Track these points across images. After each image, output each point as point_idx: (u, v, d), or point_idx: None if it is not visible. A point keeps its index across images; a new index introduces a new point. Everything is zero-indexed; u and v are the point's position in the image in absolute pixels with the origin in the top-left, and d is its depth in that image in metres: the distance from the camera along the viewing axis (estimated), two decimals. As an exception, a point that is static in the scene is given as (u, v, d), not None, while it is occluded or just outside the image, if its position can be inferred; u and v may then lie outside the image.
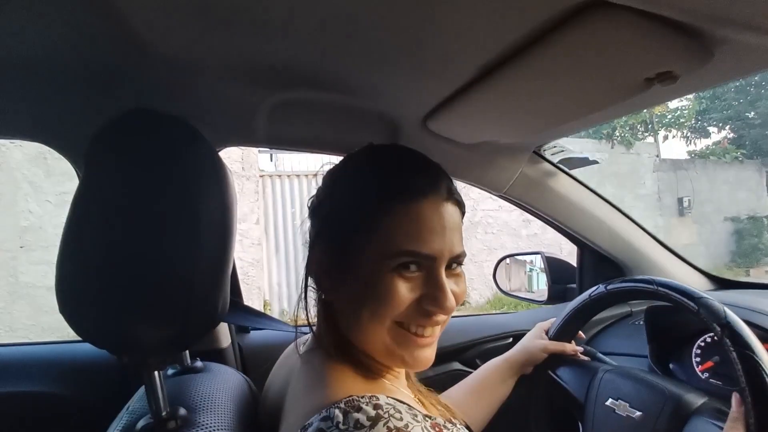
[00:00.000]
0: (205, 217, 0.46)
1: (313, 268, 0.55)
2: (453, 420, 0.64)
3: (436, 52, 0.63)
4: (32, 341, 1.04)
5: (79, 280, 0.43)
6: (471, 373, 0.97)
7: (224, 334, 0.94)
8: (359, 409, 0.42)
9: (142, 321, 0.43)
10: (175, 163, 0.44)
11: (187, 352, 0.67)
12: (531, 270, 1.57)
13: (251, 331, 1.07)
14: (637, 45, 0.53)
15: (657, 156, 8.76)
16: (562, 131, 0.94)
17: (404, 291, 0.50)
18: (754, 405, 0.59)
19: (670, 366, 0.99)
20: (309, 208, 0.59)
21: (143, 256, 0.43)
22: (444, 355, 1.17)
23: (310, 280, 0.57)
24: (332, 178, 0.58)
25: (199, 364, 0.67)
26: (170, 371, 0.66)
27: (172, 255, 0.44)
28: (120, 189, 0.43)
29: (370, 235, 0.51)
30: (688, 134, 11.82)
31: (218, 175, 0.51)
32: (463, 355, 1.19)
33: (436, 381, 1.05)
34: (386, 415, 0.42)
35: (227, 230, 0.53)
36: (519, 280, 1.63)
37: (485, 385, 0.92)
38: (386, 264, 0.50)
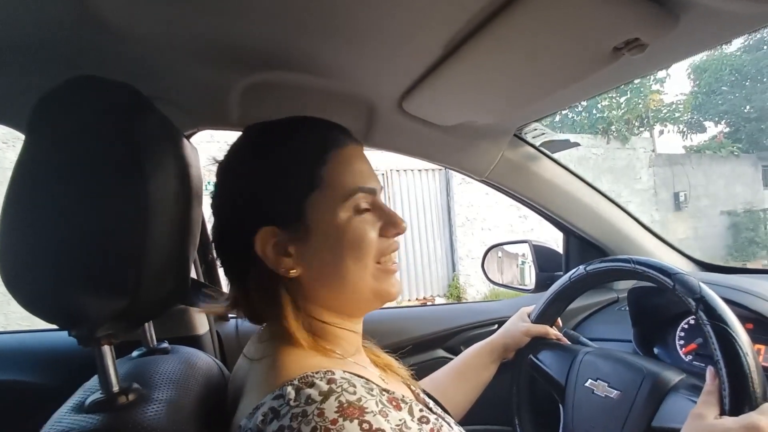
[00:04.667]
0: (156, 188, 0.45)
1: (264, 254, 0.51)
2: (421, 396, 0.63)
3: (403, 27, 0.62)
4: (6, 330, 1.03)
5: (22, 252, 0.41)
6: None
7: (201, 321, 0.93)
8: (312, 385, 0.41)
9: (87, 293, 0.42)
10: (119, 128, 0.43)
11: (153, 333, 0.66)
12: (523, 263, 1.56)
13: (231, 319, 1.06)
14: (602, 10, 0.52)
15: (653, 151, 8.78)
16: (539, 110, 0.93)
17: (369, 229, 0.54)
18: (728, 378, 0.58)
19: (655, 350, 0.98)
20: (216, 203, 0.56)
21: (86, 227, 0.41)
22: (428, 342, 1.16)
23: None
24: (243, 160, 0.55)
25: (165, 345, 0.65)
26: (135, 353, 0.64)
27: (118, 226, 0.42)
28: (61, 156, 0.41)
29: (320, 190, 0.52)
30: (684, 129, 11.84)
31: (172, 145, 0.49)
32: (447, 343, 1.18)
33: (420, 368, 1.04)
34: (339, 389, 0.41)
35: (184, 205, 0.51)
36: (511, 272, 1.62)
37: (468, 369, 0.91)
38: (346, 209, 0.52)
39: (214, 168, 0.58)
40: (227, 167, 0.56)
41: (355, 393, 0.41)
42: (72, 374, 0.89)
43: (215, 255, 0.57)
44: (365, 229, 0.53)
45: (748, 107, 11.96)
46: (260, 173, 0.53)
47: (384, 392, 0.45)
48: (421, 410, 0.47)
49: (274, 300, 0.52)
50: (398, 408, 0.44)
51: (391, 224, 0.56)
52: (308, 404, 0.39)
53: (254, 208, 0.53)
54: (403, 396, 0.46)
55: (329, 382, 0.42)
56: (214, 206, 0.56)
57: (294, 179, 0.52)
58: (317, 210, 0.52)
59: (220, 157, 0.57)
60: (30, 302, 0.42)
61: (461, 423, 0.78)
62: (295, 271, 0.52)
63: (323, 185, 0.52)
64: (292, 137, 0.54)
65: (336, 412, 0.39)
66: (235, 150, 0.57)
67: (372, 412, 0.40)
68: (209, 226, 0.92)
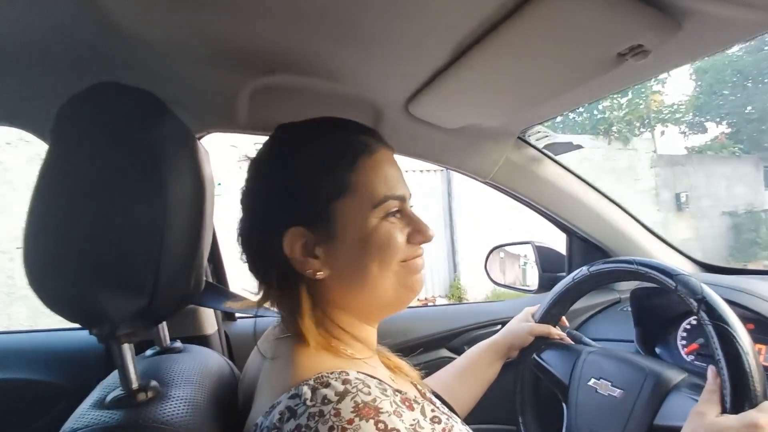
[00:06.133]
0: (174, 192, 0.46)
1: (292, 255, 0.52)
2: (428, 395, 0.64)
3: (411, 32, 0.63)
4: (23, 329, 1.05)
5: (46, 253, 0.43)
6: None
7: (210, 320, 0.94)
8: (327, 385, 0.42)
9: (108, 293, 0.43)
10: (140, 134, 0.44)
11: (167, 333, 0.67)
12: (525, 264, 1.57)
13: (238, 319, 1.07)
14: (606, 17, 0.53)
15: (654, 151, 8.77)
16: (543, 113, 0.94)
17: (398, 234, 0.55)
18: (729, 377, 0.59)
19: (657, 350, 0.99)
20: (245, 200, 0.56)
21: (108, 228, 0.43)
22: (432, 342, 1.17)
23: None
24: (276, 158, 0.55)
25: (178, 344, 0.67)
26: (149, 352, 0.66)
27: (138, 228, 0.44)
28: (84, 160, 0.43)
29: (349, 195, 0.52)
30: (685, 129, 11.84)
31: (188, 150, 0.51)
32: (451, 343, 1.19)
33: (424, 368, 1.05)
34: (354, 390, 0.42)
35: (199, 208, 0.53)
36: (513, 273, 1.63)
37: (472, 368, 0.92)
38: (375, 214, 0.53)
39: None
40: (259, 164, 0.56)
41: (369, 393, 0.42)
42: (84, 373, 0.91)
43: (241, 250, 0.57)
44: (393, 233, 0.54)
45: (749, 108, 11.95)
46: (293, 173, 0.53)
47: (397, 393, 0.45)
48: (433, 410, 0.47)
49: (294, 299, 0.53)
50: (411, 408, 0.45)
51: (418, 231, 0.56)
52: (325, 404, 0.40)
53: (284, 207, 0.53)
54: (415, 396, 0.47)
55: (344, 382, 0.42)
56: (244, 202, 0.57)
57: (324, 183, 0.52)
58: (346, 215, 0.52)
59: (251, 154, 0.58)
60: (53, 302, 0.43)
61: (465, 422, 0.79)
62: (322, 273, 0.53)
63: (352, 191, 0.52)
64: (324, 139, 0.55)
65: (352, 412, 0.39)
66: (267, 148, 0.57)
67: (387, 412, 0.41)
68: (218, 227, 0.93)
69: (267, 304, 0.57)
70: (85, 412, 0.46)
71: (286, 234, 0.52)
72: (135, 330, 0.47)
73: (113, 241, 0.43)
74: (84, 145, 0.43)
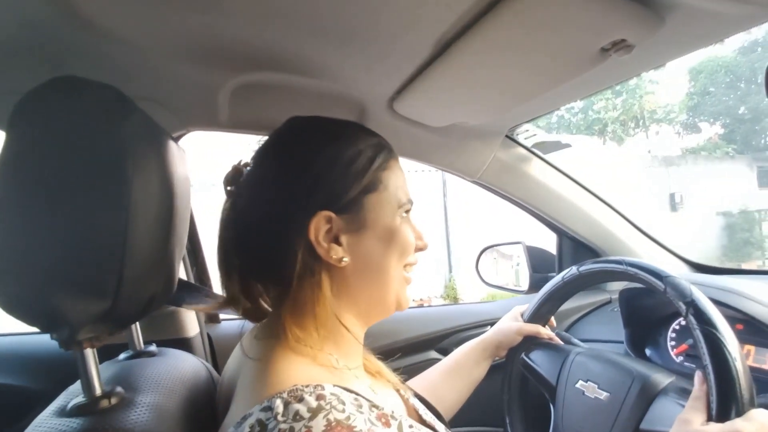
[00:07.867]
0: (139, 190, 0.44)
1: (316, 239, 0.50)
2: (411, 401, 0.63)
3: (391, 27, 0.62)
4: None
5: (0, 253, 0.41)
6: None
7: (191, 322, 0.92)
8: (301, 400, 0.41)
9: (67, 295, 0.41)
10: (101, 130, 0.42)
11: (140, 336, 0.65)
12: (518, 264, 1.56)
13: (223, 321, 1.05)
14: (588, 11, 0.52)
15: (648, 152, 8.82)
16: (530, 111, 0.92)
17: (411, 235, 0.58)
18: (716, 384, 0.58)
19: (647, 351, 0.98)
20: (257, 186, 0.54)
21: (65, 228, 0.41)
22: (421, 343, 1.16)
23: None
24: (303, 144, 0.54)
25: (152, 348, 0.65)
26: (122, 356, 0.64)
27: (98, 227, 0.42)
28: (40, 156, 0.41)
29: (382, 191, 0.54)
30: (680, 130, 11.90)
31: (156, 147, 0.49)
32: (440, 344, 1.18)
33: (413, 370, 1.04)
34: (327, 407, 0.41)
35: (168, 208, 0.51)
36: (506, 274, 1.62)
37: (460, 367, 0.91)
38: (399, 213, 0.56)
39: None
40: (279, 151, 0.55)
41: (344, 411, 0.41)
42: (62, 378, 0.89)
43: (241, 244, 0.54)
44: (409, 232, 0.57)
45: (742, 109, 12.03)
46: (328, 160, 0.52)
47: (374, 408, 0.44)
48: (411, 426, 0.46)
49: (312, 290, 0.51)
50: (387, 425, 0.43)
51: (418, 238, 0.60)
52: (296, 420, 0.39)
53: (314, 191, 0.51)
54: (393, 412, 0.46)
55: (318, 398, 0.41)
56: (252, 188, 0.54)
57: (360, 174, 0.53)
58: (376, 209, 0.54)
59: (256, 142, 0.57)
60: (9, 305, 0.42)
61: (452, 423, 0.78)
62: (347, 260, 0.52)
63: (384, 188, 0.55)
64: (357, 137, 0.56)
65: (324, 430, 0.38)
66: (287, 136, 0.56)
67: (360, 430, 0.40)
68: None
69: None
70: (44, 419, 0.44)
71: (313, 217, 0.50)
72: (98, 334, 0.45)
73: (71, 242, 0.41)
74: (40, 139, 0.41)
